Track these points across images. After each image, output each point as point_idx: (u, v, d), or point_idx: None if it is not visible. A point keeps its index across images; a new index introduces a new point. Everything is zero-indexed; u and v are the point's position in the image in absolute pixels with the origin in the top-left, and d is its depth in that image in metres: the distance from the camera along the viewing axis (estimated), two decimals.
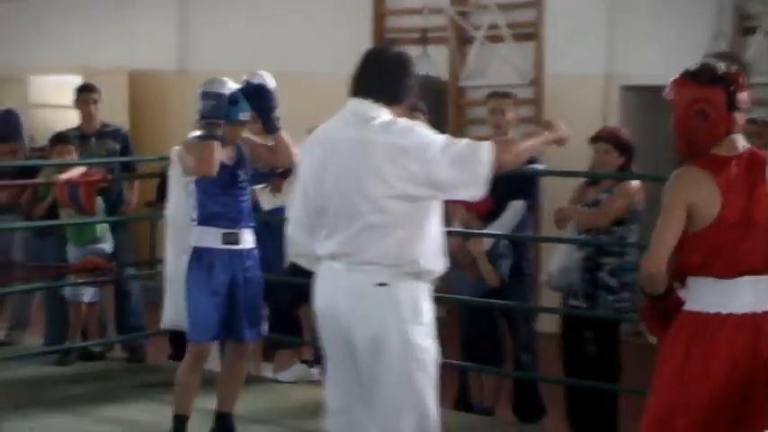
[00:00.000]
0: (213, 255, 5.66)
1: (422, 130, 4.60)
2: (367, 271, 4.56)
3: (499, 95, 8.21)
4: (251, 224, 6.51)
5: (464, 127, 11.77)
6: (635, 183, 7.26)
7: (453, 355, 8.14)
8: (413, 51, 11.42)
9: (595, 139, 7.47)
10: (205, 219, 6.25)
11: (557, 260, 7.63)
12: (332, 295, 4.69)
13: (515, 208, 7.70)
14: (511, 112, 8.03)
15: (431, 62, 11.82)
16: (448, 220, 8.39)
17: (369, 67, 4.78)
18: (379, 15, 12.43)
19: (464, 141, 4.59)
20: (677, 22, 10.25)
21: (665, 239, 4.38)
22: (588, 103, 10.47)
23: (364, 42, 11.85)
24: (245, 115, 6.34)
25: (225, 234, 5.28)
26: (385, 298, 4.55)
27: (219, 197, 6.25)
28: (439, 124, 8.33)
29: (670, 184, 4.44)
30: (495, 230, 7.69)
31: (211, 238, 5.84)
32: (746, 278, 4.35)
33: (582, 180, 7.65)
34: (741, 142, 4.44)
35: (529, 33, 11.56)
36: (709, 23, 10.09)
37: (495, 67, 11.68)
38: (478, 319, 7.94)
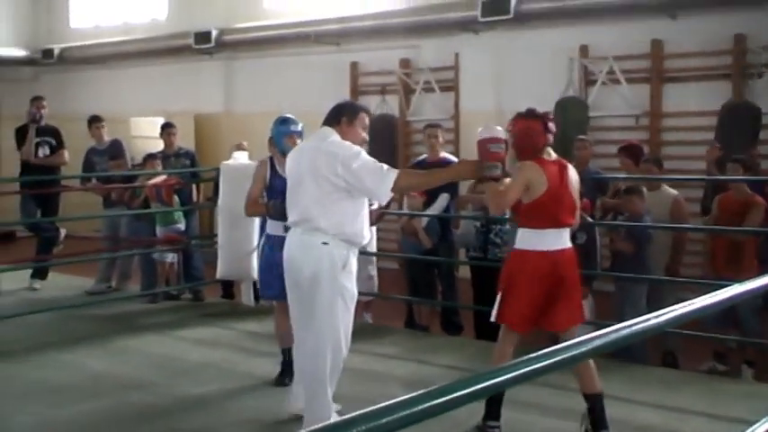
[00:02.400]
0: (279, 240, 5.51)
1: (354, 149, 4.63)
2: (315, 234, 4.62)
3: (432, 126, 8.15)
4: None
5: (410, 146, 11.79)
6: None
7: (403, 292, 8.25)
8: (375, 99, 11.68)
9: None
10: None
11: (461, 229, 7.76)
12: (291, 249, 4.74)
13: (443, 198, 7.73)
14: (440, 137, 8.08)
15: (387, 106, 11.81)
16: (399, 206, 8.51)
17: (330, 111, 4.89)
18: (354, 76, 12.40)
19: (382, 165, 4.59)
20: (547, 76, 10.26)
21: (514, 189, 4.64)
22: None
23: (345, 92, 11.92)
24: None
25: (284, 226, 5.19)
26: (325, 251, 4.60)
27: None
28: (392, 146, 8.44)
29: (519, 168, 4.73)
30: (431, 212, 7.71)
31: (277, 227, 5.67)
32: (551, 229, 4.70)
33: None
34: (552, 153, 4.81)
35: (450, 86, 11.50)
36: (564, 76, 10.10)
37: (429, 107, 11.66)
38: (419, 269, 7.96)
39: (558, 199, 4.69)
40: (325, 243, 4.58)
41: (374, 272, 8.12)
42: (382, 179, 4.52)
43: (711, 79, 9.68)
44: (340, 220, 4.60)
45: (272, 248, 5.56)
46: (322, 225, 4.59)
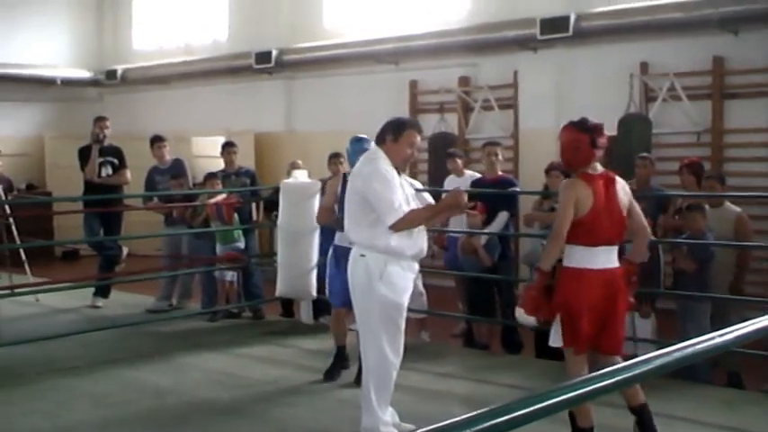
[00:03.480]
0: (343, 250, 5.65)
1: (379, 173, 4.79)
2: (356, 247, 4.94)
3: (492, 144, 8.20)
4: None
5: (469, 165, 11.75)
6: None
7: (455, 310, 8.25)
8: (434, 117, 11.70)
9: (548, 170, 7.53)
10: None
11: (527, 248, 7.69)
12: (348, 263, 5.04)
13: (502, 216, 7.72)
14: (500, 155, 8.08)
15: (446, 124, 11.82)
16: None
17: (380, 129, 5.07)
18: (413, 94, 12.45)
19: (395, 200, 4.73)
20: (607, 94, 10.18)
21: (564, 223, 4.61)
22: (547, 146, 10.43)
23: (404, 110, 11.98)
24: None
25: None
26: (362, 263, 4.84)
27: None
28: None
29: (564, 188, 4.72)
30: (491, 230, 7.69)
31: (342, 238, 5.87)
32: (603, 247, 4.63)
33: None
34: (599, 167, 4.73)
35: (509, 104, 11.49)
36: (625, 93, 10.02)
37: (488, 125, 11.65)
38: (478, 287, 7.94)
39: (606, 215, 4.61)
40: (362, 255, 4.85)
41: (422, 288, 8.14)
42: (388, 212, 4.72)
43: None
44: (370, 234, 4.80)
45: (338, 258, 6.05)
46: (357, 239, 4.90)
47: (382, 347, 4.82)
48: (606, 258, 4.62)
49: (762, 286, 7.93)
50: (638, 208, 4.88)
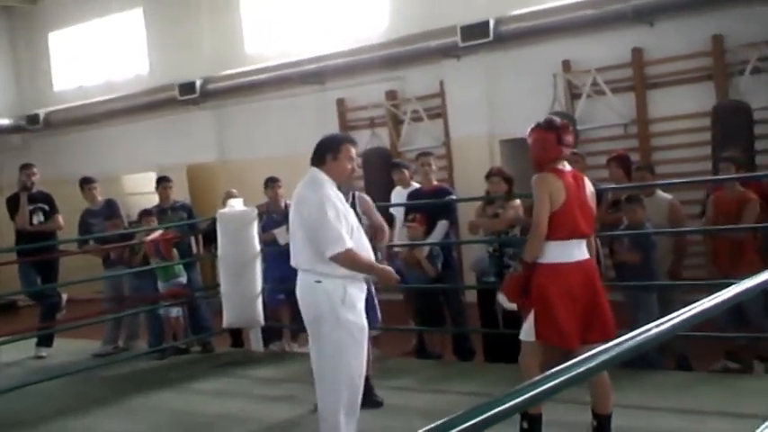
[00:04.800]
0: None
1: (323, 202, 4.69)
2: (309, 274, 4.76)
3: (424, 154, 8.27)
4: None
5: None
6: (517, 200, 7.34)
7: (406, 323, 8.26)
8: (365, 133, 11.75)
9: (489, 175, 7.59)
10: None
11: (474, 255, 7.75)
12: (297, 291, 4.90)
13: (442, 225, 7.77)
14: (433, 165, 8.15)
15: (378, 138, 11.88)
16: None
17: (314, 150, 4.99)
18: (342, 112, 12.50)
19: (338, 233, 4.66)
20: (533, 95, 10.34)
21: (543, 215, 4.68)
22: (479, 153, 10.56)
23: (334, 129, 12.01)
24: None
25: None
26: (320, 289, 4.71)
27: None
28: (387, 177, 8.52)
29: (537, 182, 4.75)
30: (432, 241, 7.75)
31: None
32: (576, 240, 4.72)
33: (479, 203, 7.74)
34: (567, 165, 4.85)
35: (438, 113, 11.60)
36: (550, 92, 10.17)
37: (420, 136, 11.73)
38: (426, 299, 7.98)
39: (579, 208, 4.72)
40: (318, 282, 4.71)
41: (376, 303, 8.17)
42: (328, 245, 4.64)
43: (694, 82, 9.77)
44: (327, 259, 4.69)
45: None
46: (312, 266, 4.74)
47: (351, 371, 4.73)
48: (580, 251, 4.73)
49: (699, 269, 8.10)
50: None
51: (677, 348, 6.93)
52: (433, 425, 1.60)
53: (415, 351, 8.18)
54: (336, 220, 4.67)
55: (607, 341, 2.11)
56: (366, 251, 4.90)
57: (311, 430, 5.38)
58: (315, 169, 4.90)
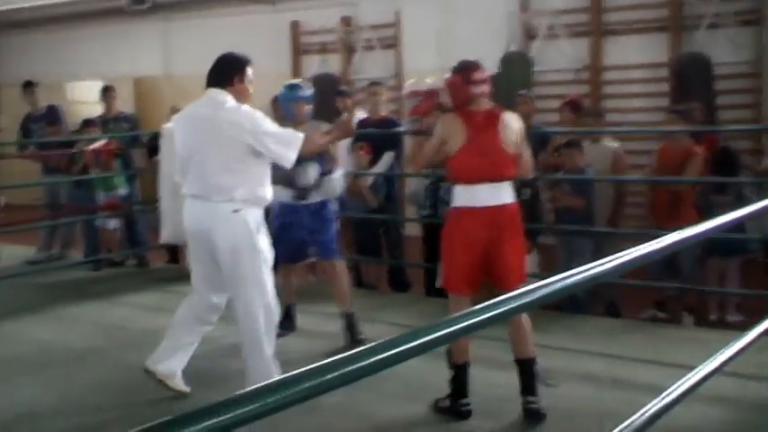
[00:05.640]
0: (292, 208, 5.97)
1: (257, 116, 4.54)
2: (225, 203, 4.51)
3: (374, 84, 8.22)
4: None
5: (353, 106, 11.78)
6: None
7: (346, 251, 8.25)
8: (316, 58, 11.61)
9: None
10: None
11: (411, 188, 7.76)
12: (201, 220, 4.60)
13: (388, 157, 7.75)
14: (383, 95, 8.08)
15: (329, 65, 11.75)
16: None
17: (216, 69, 4.72)
18: (295, 35, 12.32)
19: (288, 131, 4.63)
20: (489, 33, 10.27)
21: (424, 152, 4.68)
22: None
23: (286, 52, 11.86)
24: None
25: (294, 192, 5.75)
26: (239, 219, 4.52)
27: None
28: (335, 105, 8.41)
29: (438, 122, 4.66)
30: (376, 171, 7.72)
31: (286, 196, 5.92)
32: (485, 184, 4.49)
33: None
34: (485, 104, 4.58)
35: (391, 44, 11.49)
36: (505, 32, 10.12)
37: (371, 66, 11.63)
38: (365, 229, 7.99)
39: (484, 150, 4.48)
40: (236, 211, 4.51)
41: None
42: (288, 146, 4.56)
43: (651, 32, 9.79)
44: (252, 185, 4.55)
45: (284, 215, 5.91)
46: (233, 193, 4.50)
47: (268, 300, 4.66)
48: (490, 195, 4.48)
49: (638, 219, 8.21)
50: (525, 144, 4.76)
51: (609, 295, 7.05)
52: (355, 350, 1.59)
53: (351, 281, 8.19)
54: (277, 126, 4.62)
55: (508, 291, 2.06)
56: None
57: (238, 342, 5.37)
58: (218, 90, 4.62)
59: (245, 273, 4.59)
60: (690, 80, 8.97)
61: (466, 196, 4.52)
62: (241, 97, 4.64)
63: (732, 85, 9.37)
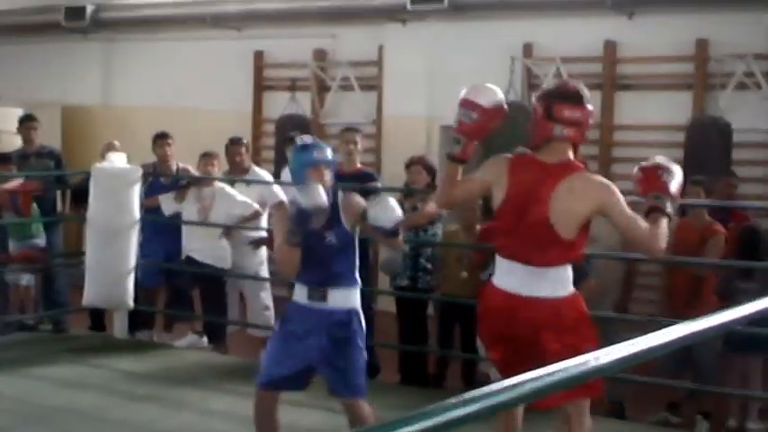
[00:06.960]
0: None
1: None
2: None
3: (350, 130, 8.28)
4: None
5: None
6: None
7: None
8: (284, 96, 11.68)
9: (409, 164, 7.65)
10: None
11: (386, 254, 7.77)
12: None
13: None
14: (359, 144, 8.15)
15: (298, 104, 11.83)
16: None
17: None
18: (258, 68, 12.39)
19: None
20: (486, 78, 10.37)
21: (456, 191, 4.30)
22: (414, 136, 10.56)
23: (248, 86, 11.95)
24: None
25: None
26: None
27: None
28: None
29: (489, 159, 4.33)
30: None
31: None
32: (507, 261, 4.06)
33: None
34: (558, 154, 4.07)
35: (372, 84, 11.57)
36: (505, 81, 10.25)
37: (347, 109, 11.70)
38: None
39: (519, 216, 3.94)
40: None
41: (270, 301, 8.16)
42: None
43: (670, 89, 9.96)
44: None
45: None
46: None
47: None
48: (513, 280, 3.96)
49: (650, 305, 8.26)
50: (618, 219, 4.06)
51: (613, 393, 7.04)
52: None
53: None
54: None
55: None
56: None
57: None
58: None
59: None
60: (706, 147, 9.09)
61: (497, 267, 4.14)
62: None
63: (755, 155, 9.55)
